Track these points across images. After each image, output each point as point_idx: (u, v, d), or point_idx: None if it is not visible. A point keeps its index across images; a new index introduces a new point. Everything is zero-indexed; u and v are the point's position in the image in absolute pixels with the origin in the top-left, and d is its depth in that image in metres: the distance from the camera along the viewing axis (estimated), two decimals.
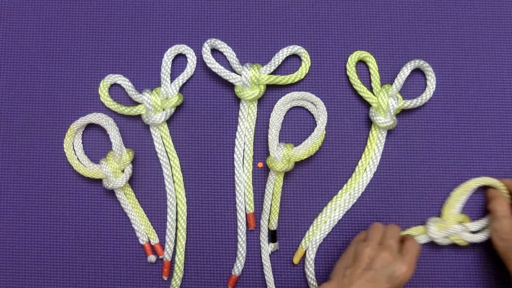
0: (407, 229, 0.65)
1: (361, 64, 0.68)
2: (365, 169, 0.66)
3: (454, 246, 0.65)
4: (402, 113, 0.67)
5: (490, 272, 0.65)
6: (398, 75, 0.65)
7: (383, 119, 0.64)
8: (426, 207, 0.66)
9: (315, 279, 0.64)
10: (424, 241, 0.64)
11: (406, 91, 0.67)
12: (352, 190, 0.66)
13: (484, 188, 0.66)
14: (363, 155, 0.66)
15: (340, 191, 0.66)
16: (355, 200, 0.66)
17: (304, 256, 0.66)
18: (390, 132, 0.67)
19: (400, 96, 0.65)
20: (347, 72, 0.67)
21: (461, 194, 0.65)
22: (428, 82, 0.66)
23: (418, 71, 0.67)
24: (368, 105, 0.67)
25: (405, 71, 0.65)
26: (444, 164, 0.66)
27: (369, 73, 0.67)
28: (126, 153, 0.65)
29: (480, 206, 0.66)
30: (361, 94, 0.66)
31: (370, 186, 0.67)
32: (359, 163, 0.66)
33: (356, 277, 0.55)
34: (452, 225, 0.63)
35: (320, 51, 0.68)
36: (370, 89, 0.67)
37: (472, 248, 0.65)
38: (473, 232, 0.63)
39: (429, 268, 0.65)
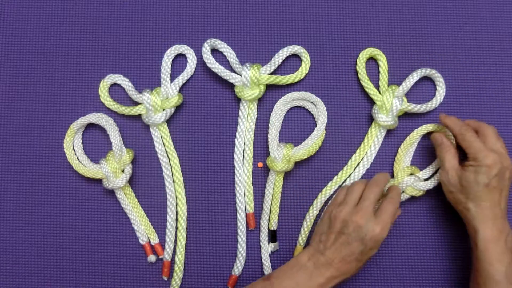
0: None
1: (369, 63, 0.68)
2: (358, 164, 0.66)
3: (411, 199, 0.65)
4: (405, 116, 0.67)
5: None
6: (406, 79, 0.65)
7: (385, 117, 0.64)
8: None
9: None
10: None
11: (414, 96, 0.67)
12: (343, 184, 0.66)
13: (428, 136, 0.66)
14: (357, 150, 0.66)
15: (330, 183, 0.66)
16: None
17: None
18: (390, 132, 0.67)
19: (405, 99, 0.65)
20: (357, 67, 0.67)
21: (407, 148, 0.66)
22: (437, 92, 0.66)
23: (429, 78, 0.68)
24: (369, 106, 0.67)
25: (415, 76, 0.65)
26: None
27: (378, 71, 0.67)
28: (126, 153, 0.65)
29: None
30: (367, 90, 0.66)
31: None
32: (352, 158, 0.66)
33: (331, 242, 0.57)
34: (404, 179, 0.64)
35: (320, 51, 0.68)
36: (376, 88, 0.67)
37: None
38: (426, 180, 0.64)
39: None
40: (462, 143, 0.60)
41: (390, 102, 0.64)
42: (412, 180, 0.63)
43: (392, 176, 0.66)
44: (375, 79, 0.68)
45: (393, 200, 0.59)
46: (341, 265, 0.56)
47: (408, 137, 0.66)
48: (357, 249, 0.56)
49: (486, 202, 0.57)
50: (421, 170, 0.65)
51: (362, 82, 0.66)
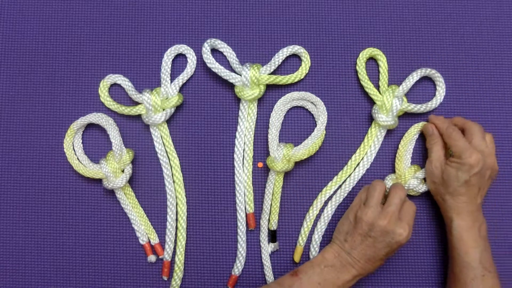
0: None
1: (369, 63, 0.68)
2: (358, 164, 0.66)
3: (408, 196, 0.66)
4: (405, 116, 0.67)
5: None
6: (406, 79, 0.65)
7: (385, 117, 0.64)
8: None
9: None
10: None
11: (414, 96, 0.67)
12: (344, 184, 0.66)
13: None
14: (357, 150, 0.66)
15: (330, 183, 0.66)
16: (345, 195, 0.66)
17: (307, 256, 0.66)
18: (390, 132, 0.67)
19: (405, 99, 0.65)
20: (357, 67, 0.67)
21: (406, 144, 0.66)
22: (437, 92, 0.66)
23: (429, 78, 0.68)
24: (369, 106, 0.67)
25: (415, 76, 0.65)
26: None
27: (379, 71, 0.67)
28: (126, 153, 0.65)
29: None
30: (367, 90, 0.66)
31: (363, 182, 0.67)
32: (352, 158, 0.66)
33: (357, 244, 0.58)
34: (409, 180, 0.64)
35: (320, 51, 0.68)
36: (376, 88, 0.67)
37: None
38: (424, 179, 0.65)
39: None
40: (448, 141, 0.62)
41: (390, 102, 0.64)
42: (417, 183, 0.64)
43: (393, 171, 0.66)
44: (375, 79, 0.68)
45: (410, 201, 0.61)
46: (366, 265, 0.58)
47: (406, 133, 0.66)
48: (382, 251, 0.57)
49: (463, 197, 0.59)
50: (420, 166, 0.66)
51: (362, 82, 0.66)
